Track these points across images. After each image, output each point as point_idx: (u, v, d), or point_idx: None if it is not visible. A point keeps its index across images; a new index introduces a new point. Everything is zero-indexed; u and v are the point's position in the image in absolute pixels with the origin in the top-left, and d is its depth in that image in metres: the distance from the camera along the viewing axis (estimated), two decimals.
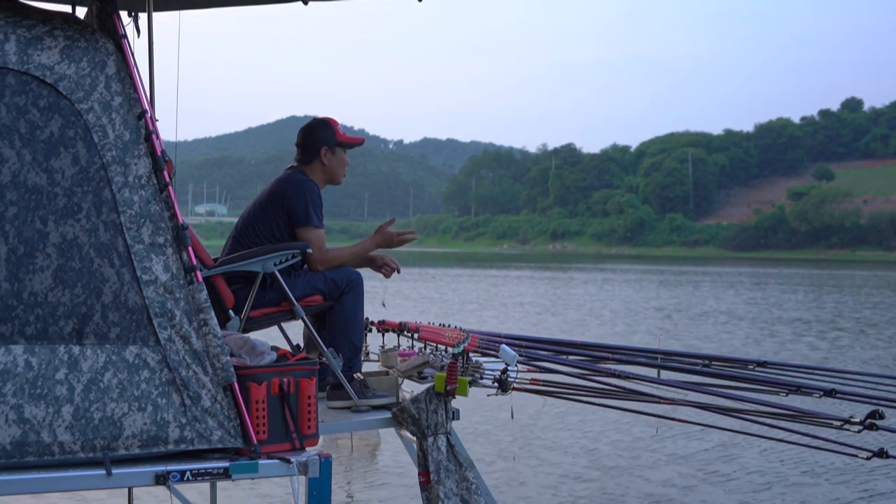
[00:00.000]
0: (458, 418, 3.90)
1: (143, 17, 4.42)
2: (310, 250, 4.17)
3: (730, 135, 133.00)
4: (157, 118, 3.59)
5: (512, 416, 9.06)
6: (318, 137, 4.41)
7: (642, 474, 7.32)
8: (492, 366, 4.14)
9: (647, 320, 20.10)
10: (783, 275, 46.90)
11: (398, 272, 4.56)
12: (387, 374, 4.31)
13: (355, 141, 4.51)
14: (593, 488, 6.89)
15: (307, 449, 3.37)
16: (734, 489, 6.92)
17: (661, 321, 19.88)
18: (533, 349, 4.70)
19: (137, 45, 4.05)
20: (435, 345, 4.46)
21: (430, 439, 3.78)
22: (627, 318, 20.45)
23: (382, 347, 4.70)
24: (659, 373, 4.58)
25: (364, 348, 4.60)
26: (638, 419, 8.56)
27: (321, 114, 4.60)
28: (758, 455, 7.96)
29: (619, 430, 8.96)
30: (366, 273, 4.47)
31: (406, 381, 4.31)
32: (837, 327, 19.45)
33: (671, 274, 45.45)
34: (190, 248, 3.31)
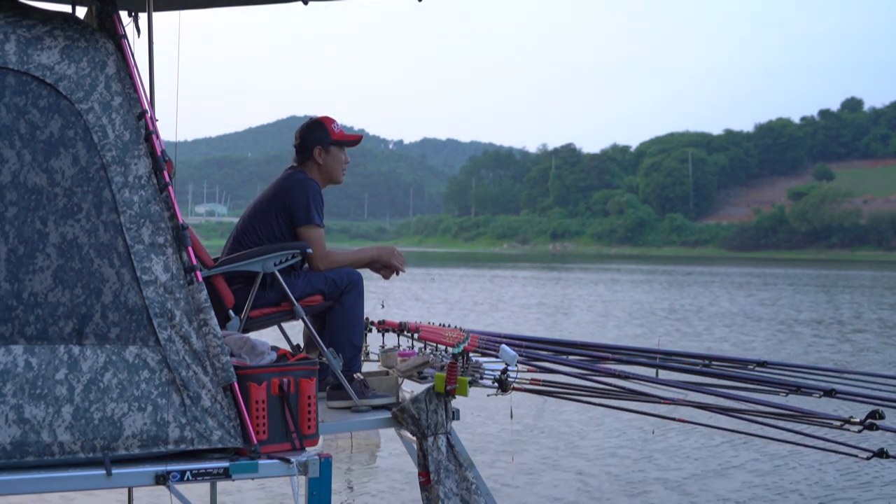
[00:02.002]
0: (458, 418, 3.91)
1: (143, 17, 4.41)
2: (310, 250, 4.17)
3: (730, 135, 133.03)
4: (157, 118, 3.60)
5: (511, 416, 9.06)
6: (311, 138, 4.41)
7: (641, 474, 7.32)
8: (492, 366, 4.14)
9: (665, 322, 19.80)
10: (790, 275, 46.71)
11: (403, 272, 4.55)
12: (387, 374, 4.31)
13: (351, 138, 4.47)
14: (593, 488, 6.89)
15: (307, 449, 3.37)
16: (733, 489, 6.92)
17: (677, 323, 19.58)
18: (533, 349, 4.70)
19: (137, 45, 4.06)
20: (435, 345, 4.46)
21: (430, 439, 3.78)
22: (641, 320, 20.21)
23: (382, 347, 4.69)
24: (658, 373, 4.58)
25: (364, 348, 4.60)
26: (638, 419, 8.56)
27: (321, 114, 4.57)
28: (756, 455, 7.96)
29: (619, 430, 8.96)
30: (366, 273, 4.47)
31: (406, 381, 4.31)
32: (858, 329, 19.13)
33: (679, 275, 45.20)
34: (190, 248, 3.31)
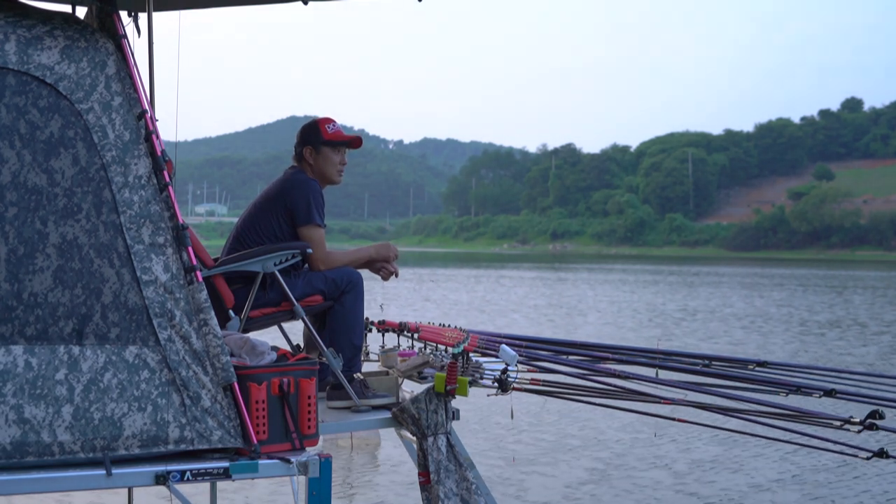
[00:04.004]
0: (458, 418, 3.91)
1: (143, 17, 4.41)
2: (310, 250, 4.17)
3: (730, 135, 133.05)
4: (157, 118, 3.59)
5: (512, 417, 9.06)
6: (302, 139, 4.42)
7: (642, 475, 7.32)
8: (492, 366, 4.14)
9: (682, 324, 19.56)
10: (798, 275, 46.39)
11: (396, 276, 4.56)
12: (387, 374, 4.31)
13: (343, 139, 4.42)
14: (593, 489, 6.89)
15: (307, 449, 3.37)
16: (734, 490, 6.92)
17: (694, 325, 19.38)
18: (533, 349, 4.69)
19: (137, 45, 4.05)
20: (435, 345, 4.46)
21: (430, 439, 3.78)
22: (657, 322, 20.05)
23: (382, 347, 4.69)
24: (658, 373, 4.58)
25: (364, 348, 4.60)
26: (638, 419, 8.56)
27: (321, 114, 4.60)
28: (757, 455, 7.96)
29: (619, 430, 8.96)
30: (366, 274, 4.47)
31: (406, 381, 4.31)
32: (880, 331, 18.92)
33: (686, 275, 44.85)
34: (190, 248, 3.31)
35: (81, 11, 3.87)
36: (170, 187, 3.33)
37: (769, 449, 7.97)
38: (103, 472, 3.03)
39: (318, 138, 4.39)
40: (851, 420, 4.07)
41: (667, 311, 23.14)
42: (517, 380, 4.15)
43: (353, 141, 4.47)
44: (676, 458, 7.86)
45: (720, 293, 30.69)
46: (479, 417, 9.22)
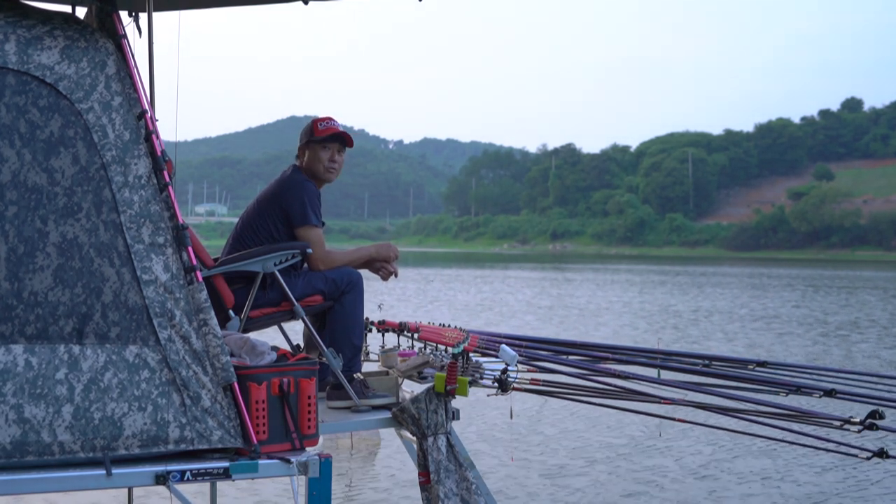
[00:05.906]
0: (458, 418, 3.91)
1: (143, 17, 4.42)
2: (310, 250, 4.18)
3: (730, 135, 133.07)
4: (157, 118, 3.59)
5: (511, 417, 9.06)
6: (300, 138, 4.47)
7: (642, 475, 7.32)
8: (492, 366, 4.14)
9: (699, 325, 19.43)
10: (804, 276, 46.05)
11: (395, 276, 4.56)
12: (387, 374, 4.32)
13: (328, 133, 4.37)
14: (592, 489, 6.89)
15: (307, 449, 3.37)
16: (734, 490, 6.92)
17: (710, 326, 19.20)
18: (533, 349, 4.70)
19: (137, 45, 4.05)
20: (435, 345, 4.46)
21: (430, 439, 3.78)
22: (672, 322, 19.93)
23: (382, 347, 4.69)
24: (659, 373, 4.58)
25: (364, 348, 4.60)
26: (638, 419, 8.56)
27: (321, 114, 4.60)
28: (757, 455, 7.96)
29: (619, 430, 8.95)
30: (366, 274, 4.47)
31: (406, 381, 4.31)
32: None
33: (693, 275, 44.51)
34: (190, 248, 3.31)
35: (81, 11, 3.87)
36: (170, 187, 3.33)
37: (767, 449, 7.97)
38: (103, 472, 3.03)
39: (309, 136, 4.42)
40: (851, 420, 4.07)
41: (680, 311, 22.93)
42: (517, 380, 4.16)
43: (339, 136, 4.42)
44: (675, 458, 7.85)
45: (731, 294, 30.43)
46: (479, 417, 9.22)
